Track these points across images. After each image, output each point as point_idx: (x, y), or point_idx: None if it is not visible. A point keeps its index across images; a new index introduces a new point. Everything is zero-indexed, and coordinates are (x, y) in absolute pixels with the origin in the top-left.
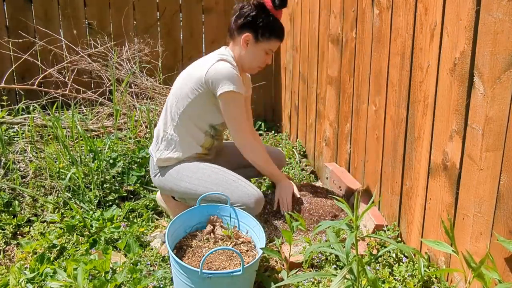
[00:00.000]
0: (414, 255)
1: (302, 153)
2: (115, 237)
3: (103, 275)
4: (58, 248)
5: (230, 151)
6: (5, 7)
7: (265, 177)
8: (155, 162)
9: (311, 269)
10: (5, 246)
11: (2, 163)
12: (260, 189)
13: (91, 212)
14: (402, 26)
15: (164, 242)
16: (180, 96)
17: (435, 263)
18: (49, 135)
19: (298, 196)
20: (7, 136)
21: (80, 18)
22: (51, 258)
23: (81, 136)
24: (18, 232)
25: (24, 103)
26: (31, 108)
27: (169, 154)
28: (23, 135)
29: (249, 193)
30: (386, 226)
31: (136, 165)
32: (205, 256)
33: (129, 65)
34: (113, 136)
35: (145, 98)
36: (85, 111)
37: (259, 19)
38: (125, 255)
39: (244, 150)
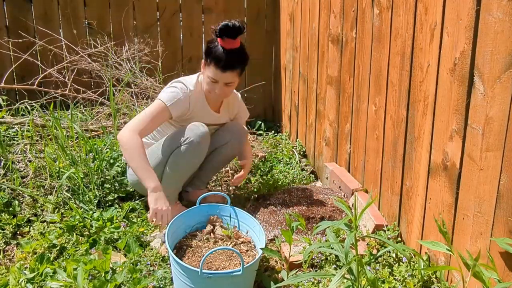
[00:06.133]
0: (414, 255)
1: (302, 153)
2: (115, 237)
3: (103, 275)
4: (58, 248)
5: None
6: (5, 7)
7: (264, 177)
8: (124, 158)
9: (311, 269)
10: (5, 246)
11: (2, 163)
12: (260, 189)
13: (91, 212)
14: (402, 26)
15: (164, 242)
16: None
17: (435, 263)
18: (48, 135)
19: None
20: (7, 136)
21: (80, 18)
22: (51, 258)
23: (80, 136)
24: (18, 232)
25: (23, 103)
26: (31, 108)
27: None
28: (23, 135)
29: (179, 131)
30: (386, 226)
31: None
32: (205, 256)
33: (129, 65)
34: (113, 136)
35: (145, 98)
36: (84, 111)
37: (210, 46)
38: (125, 255)
39: (119, 136)
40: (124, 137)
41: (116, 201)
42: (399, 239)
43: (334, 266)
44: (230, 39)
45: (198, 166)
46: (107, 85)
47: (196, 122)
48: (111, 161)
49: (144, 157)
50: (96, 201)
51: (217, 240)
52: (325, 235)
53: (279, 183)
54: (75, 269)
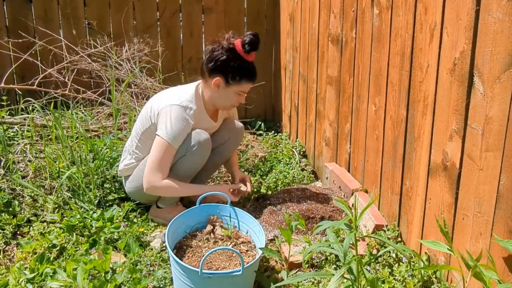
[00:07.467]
0: (414, 255)
1: (302, 153)
2: (115, 237)
3: (103, 275)
4: (58, 248)
5: None
6: (5, 7)
7: (264, 177)
8: (119, 172)
9: (311, 269)
10: (5, 246)
11: (2, 163)
12: (260, 189)
13: (91, 212)
14: (402, 26)
15: (164, 242)
16: (143, 118)
17: (435, 263)
18: (48, 135)
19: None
20: (7, 136)
21: (80, 18)
22: (51, 258)
23: (81, 136)
24: (18, 232)
25: (24, 102)
26: (31, 108)
27: (131, 165)
28: (23, 135)
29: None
30: (386, 226)
31: None
32: (205, 256)
33: (129, 65)
34: (112, 136)
35: (145, 98)
36: (83, 111)
37: (230, 63)
38: (125, 255)
39: (147, 187)
40: (150, 184)
41: (116, 201)
42: (399, 239)
43: (334, 266)
44: (254, 52)
45: (199, 169)
46: (107, 85)
47: (198, 130)
48: (111, 161)
49: (182, 184)
50: (96, 201)
51: (217, 240)
52: (325, 235)
53: (279, 183)
54: (75, 269)
